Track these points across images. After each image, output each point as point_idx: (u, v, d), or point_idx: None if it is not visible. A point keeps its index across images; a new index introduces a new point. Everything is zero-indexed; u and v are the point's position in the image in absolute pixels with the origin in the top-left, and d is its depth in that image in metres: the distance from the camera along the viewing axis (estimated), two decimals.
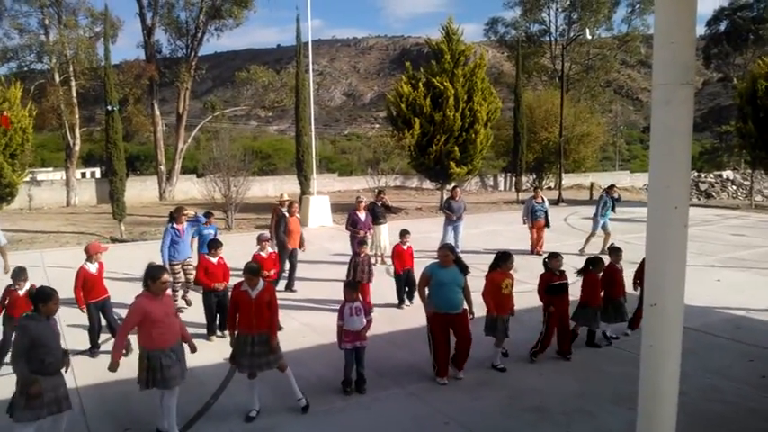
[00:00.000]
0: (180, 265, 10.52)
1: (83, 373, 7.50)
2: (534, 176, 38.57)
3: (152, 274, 6.02)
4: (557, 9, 46.21)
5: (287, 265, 11.90)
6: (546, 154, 36.83)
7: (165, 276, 6.08)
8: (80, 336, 8.76)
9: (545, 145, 36.07)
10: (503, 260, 7.81)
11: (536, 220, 15.22)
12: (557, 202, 26.76)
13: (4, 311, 7.89)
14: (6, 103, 18.30)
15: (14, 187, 18.86)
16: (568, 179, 36.16)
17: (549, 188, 36.87)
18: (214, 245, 9.39)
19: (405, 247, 10.60)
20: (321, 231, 19.92)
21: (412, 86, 24.60)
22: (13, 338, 6.33)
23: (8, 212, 22.27)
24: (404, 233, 10.77)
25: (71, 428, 6.10)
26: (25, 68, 32.58)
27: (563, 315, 8.09)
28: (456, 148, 23.82)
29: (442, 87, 23.75)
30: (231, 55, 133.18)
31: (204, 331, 9.14)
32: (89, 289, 8.36)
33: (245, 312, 6.51)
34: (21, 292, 7.88)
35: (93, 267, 8.45)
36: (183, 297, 10.69)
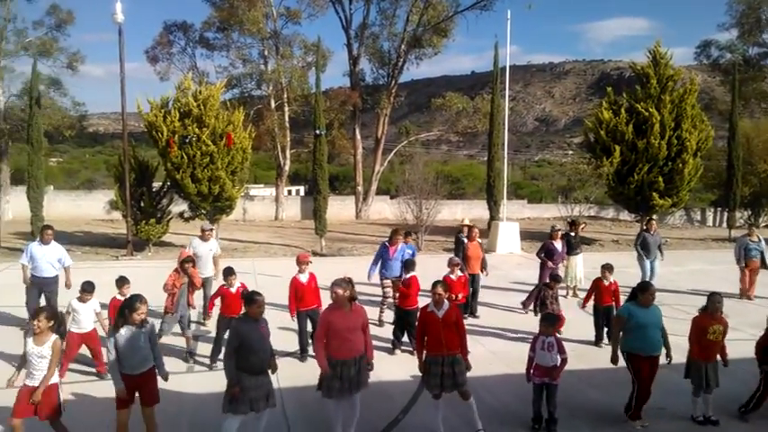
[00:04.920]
0: (390, 282, 10.98)
1: (287, 376, 8.07)
2: (750, 212, 34.72)
3: (334, 285, 6.33)
4: None
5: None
6: (764, 188, 33.00)
7: (339, 291, 6.23)
8: (290, 338, 9.49)
9: (764, 178, 32.35)
10: (708, 302, 7.20)
11: (750, 259, 13.71)
12: None
13: (219, 312, 8.79)
14: (231, 125, 20.44)
15: (233, 201, 20.96)
16: None
17: None
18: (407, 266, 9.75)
19: (606, 283, 10.03)
20: (509, 258, 19.67)
21: (613, 112, 23.47)
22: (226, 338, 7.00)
23: (226, 223, 24.85)
24: (608, 268, 10.14)
25: (274, 427, 6.63)
26: (246, 95, 36.39)
27: None
28: (660, 179, 22.23)
29: (647, 113, 22.36)
30: (427, 82, 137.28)
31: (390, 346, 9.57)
32: (300, 298, 9.03)
33: (435, 333, 6.51)
34: (232, 290, 8.75)
35: (303, 277, 9.11)
36: (381, 312, 11.09)
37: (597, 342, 10.06)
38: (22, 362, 5.97)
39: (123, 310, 5.97)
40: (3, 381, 6.25)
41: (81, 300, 8.30)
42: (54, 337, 5.88)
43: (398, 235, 11.15)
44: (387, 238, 11.39)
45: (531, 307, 11.02)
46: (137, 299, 5.99)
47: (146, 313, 6.02)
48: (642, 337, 6.92)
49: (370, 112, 39.11)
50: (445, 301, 6.66)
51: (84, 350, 8.43)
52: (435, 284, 6.71)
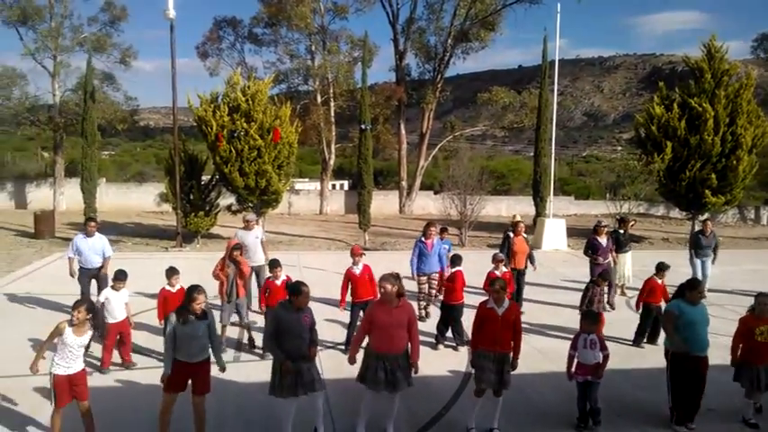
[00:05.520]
0: (426, 278, 10.96)
1: (331, 366, 8.16)
2: None
3: (382, 280, 6.35)
4: None
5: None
6: None
7: (388, 287, 6.23)
8: (334, 330, 9.57)
9: None
10: (755, 302, 7.04)
11: None
12: None
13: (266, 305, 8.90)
14: (278, 120, 20.63)
15: (279, 194, 21.19)
16: None
17: None
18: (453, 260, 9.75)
19: (660, 282, 9.75)
20: (555, 255, 19.39)
21: (665, 107, 22.85)
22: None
23: (271, 216, 25.18)
24: (664, 267, 9.86)
25: (315, 416, 6.69)
26: (293, 90, 36.71)
27: None
28: (713, 176, 21.56)
29: (701, 109, 21.69)
30: (472, 76, 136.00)
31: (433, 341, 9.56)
32: (353, 290, 9.06)
33: (491, 330, 6.48)
34: (278, 282, 8.84)
35: (357, 269, 9.13)
36: (425, 308, 11.08)
37: (638, 341, 9.82)
38: (43, 349, 6.09)
39: (185, 301, 6.11)
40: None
41: (114, 288, 8.49)
42: (90, 331, 6.08)
43: (431, 228, 11.08)
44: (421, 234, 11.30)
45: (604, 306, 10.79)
46: (194, 289, 6.07)
47: (204, 303, 6.11)
48: (693, 336, 6.77)
49: (415, 107, 39.00)
50: (506, 299, 6.62)
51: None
52: (493, 282, 6.70)
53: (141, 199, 33.13)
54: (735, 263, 17.61)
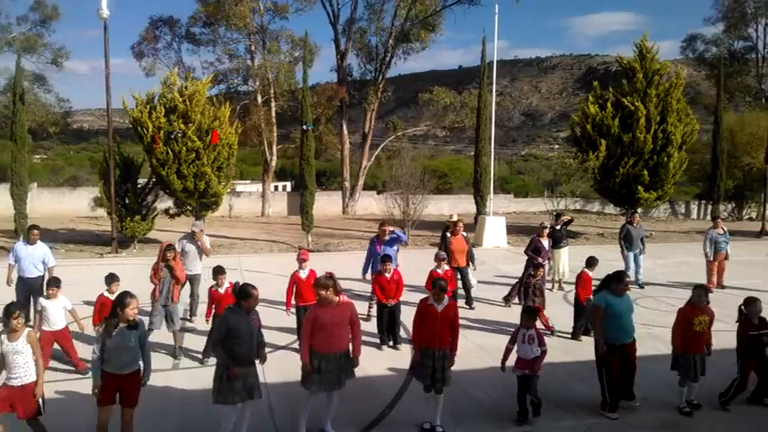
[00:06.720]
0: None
1: (274, 371, 8.04)
2: (733, 205, 35.12)
3: (316, 287, 6.41)
4: (766, 24, 41.90)
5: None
6: (748, 181, 33.37)
7: (322, 293, 6.25)
8: (274, 334, 9.46)
9: (747, 171, 32.70)
10: (694, 294, 7.32)
11: (719, 252, 13.89)
12: (759, 235, 24.05)
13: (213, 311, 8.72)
14: (217, 121, 20.28)
15: (219, 197, 20.84)
16: None
17: (751, 219, 33.41)
18: (383, 260, 9.73)
19: (591, 275, 10.02)
20: (495, 252, 19.75)
21: (599, 106, 23.59)
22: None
23: (211, 219, 24.73)
24: (593, 261, 10.21)
25: (259, 422, 6.63)
26: (233, 90, 36.16)
27: (763, 364, 7.32)
28: (645, 172, 22.41)
29: (633, 107, 22.50)
30: (413, 77, 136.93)
31: (377, 341, 9.58)
32: (299, 293, 8.99)
33: (430, 326, 6.59)
34: (221, 290, 8.68)
35: (303, 273, 9.05)
36: (370, 308, 11.07)
37: (577, 335, 10.07)
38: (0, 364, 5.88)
39: (115, 309, 5.90)
40: None
41: (48, 297, 8.21)
42: (27, 330, 5.89)
43: (385, 227, 11.11)
44: (375, 235, 11.36)
45: (516, 300, 11.17)
46: (126, 294, 5.93)
47: (137, 308, 5.95)
48: (619, 326, 7.05)
49: (357, 107, 38.97)
50: (446, 297, 6.71)
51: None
52: (435, 282, 6.79)
53: (75, 204, 31.86)
54: (666, 256, 18.34)
